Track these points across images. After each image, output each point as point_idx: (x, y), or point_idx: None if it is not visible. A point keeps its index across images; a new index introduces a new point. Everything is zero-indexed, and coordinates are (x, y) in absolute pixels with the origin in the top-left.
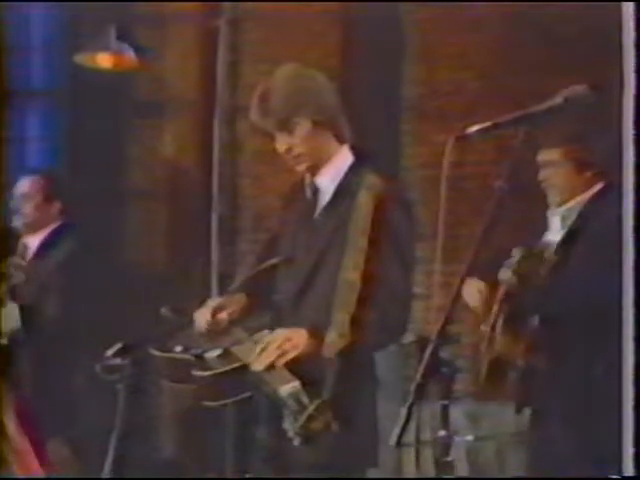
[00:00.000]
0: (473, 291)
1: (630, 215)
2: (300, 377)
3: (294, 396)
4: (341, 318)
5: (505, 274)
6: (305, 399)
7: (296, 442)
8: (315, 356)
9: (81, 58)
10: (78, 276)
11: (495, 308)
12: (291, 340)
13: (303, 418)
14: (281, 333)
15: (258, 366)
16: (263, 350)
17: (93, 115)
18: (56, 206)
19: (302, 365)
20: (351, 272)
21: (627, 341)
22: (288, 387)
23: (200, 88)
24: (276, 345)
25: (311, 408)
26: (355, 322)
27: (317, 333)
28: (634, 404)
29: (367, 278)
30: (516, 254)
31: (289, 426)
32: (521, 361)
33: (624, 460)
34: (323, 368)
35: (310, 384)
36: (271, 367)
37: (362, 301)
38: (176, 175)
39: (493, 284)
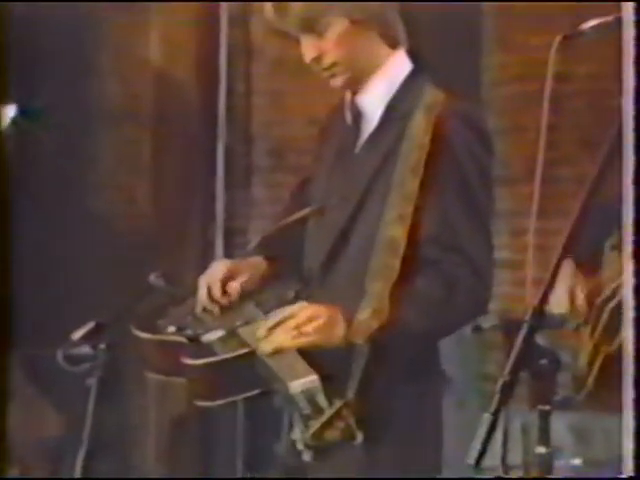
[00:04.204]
0: (562, 292)
1: None
2: (320, 369)
3: (308, 394)
4: (377, 289)
5: None
6: (322, 400)
7: (306, 457)
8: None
9: None
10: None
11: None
12: (317, 320)
13: (317, 425)
14: (306, 308)
15: (265, 347)
16: (277, 326)
17: (50, 3)
18: None
19: (323, 353)
20: (394, 226)
21: (627, 337)
22: (302, 382)
23: None
24: (295, 323)
25: (329, 413)
26: (397, 295)
27: (351, 314)
28: (634, 402)
29: (416, 235)
30: None
31: (298, 435)
32: None
33: (624, 460)
34: (350, 358)
35: (332, 379)
36: (280, 351)
37: (408, 266)
38: (167, 91)
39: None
